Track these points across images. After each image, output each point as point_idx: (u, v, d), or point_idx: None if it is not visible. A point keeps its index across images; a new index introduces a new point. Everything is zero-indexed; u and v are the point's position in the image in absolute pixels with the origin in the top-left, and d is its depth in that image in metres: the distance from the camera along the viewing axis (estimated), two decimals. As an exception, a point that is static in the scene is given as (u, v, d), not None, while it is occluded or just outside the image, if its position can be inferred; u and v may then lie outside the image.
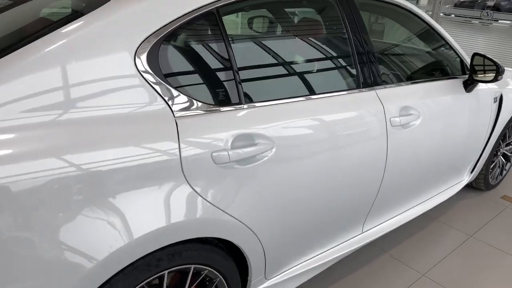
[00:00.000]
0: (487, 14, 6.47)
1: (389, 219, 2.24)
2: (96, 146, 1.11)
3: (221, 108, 1.39)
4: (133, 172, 1.16)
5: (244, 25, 1.82)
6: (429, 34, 2.35)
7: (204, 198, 1.32)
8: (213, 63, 1.42)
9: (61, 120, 1.09)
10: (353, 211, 1.93)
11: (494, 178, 3.20)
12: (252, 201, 1.45)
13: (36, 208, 1.03)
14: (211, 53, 1.42)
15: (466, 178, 2.82)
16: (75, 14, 1.26)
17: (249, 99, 1.47)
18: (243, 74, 1.48)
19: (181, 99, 1.30)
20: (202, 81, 1.39)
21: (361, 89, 1.84)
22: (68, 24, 1.18)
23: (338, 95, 1.74)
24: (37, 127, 1.05)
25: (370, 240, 2.12)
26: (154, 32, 1.28)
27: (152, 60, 1.27)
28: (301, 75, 1.70)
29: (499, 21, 6.38)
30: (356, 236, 2.07)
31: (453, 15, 6.95)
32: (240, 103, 1.44)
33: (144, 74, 1.24)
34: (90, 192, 1.10)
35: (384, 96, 1.91)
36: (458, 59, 2.48)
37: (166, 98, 1.27)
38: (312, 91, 1.67)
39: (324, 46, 1.84)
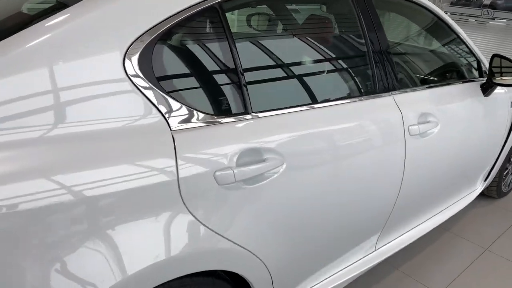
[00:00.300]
0: (487, 12, 6.34)
1: (402, 234, 2.07)
2: (78, 167, 0.92)
3: (224, 119, 1.19)
4: (121, 197, 0.97)
5: (250, 23, 1.62)
6: (446, 34, 2.18)
7: (205, 226, 1.12)
8: (216, 67, 1.23)
9: (34, 137, 0.89)
10: (367, 228, 1.76)
11: (506, 186, 3.05)
12: (260, 226, 1.27)
13: (6, 240, 0.84)
14: (213, 56, 1.22)
15: (480, 187, 2.65)
16: (57, 7, 1.06)
17: (256, 109, 1.27)
18: (250, 80, 1.29)
19: (178, 109, 1.11)
20: (203, 88, 1.19)
21: (377, 95, 1.65)
22: (46, 19, 0.99)
23: (353, 101, 1.56)
24: (5, 145, 0.86)
25: (383, 258, 1.94)
26: (148, 30, 1.08)
27: (145, 63, 1.07)
28: (313, 80, 1.50)
29: (496, 19, 6.24)
30: (369, 254, 1.89)
31: (448, 13, 6.79)
32: (246, 113, 1.24)
33: (134, 79, 1.05)
34: (69, 222, 0.91)
35: (401, 101, 1.73)
36: (475, 61, 2.30)
37: (161, 108, 1.08)
38: (326, 98, 1.48)
39: (339, 48, 1.65)
